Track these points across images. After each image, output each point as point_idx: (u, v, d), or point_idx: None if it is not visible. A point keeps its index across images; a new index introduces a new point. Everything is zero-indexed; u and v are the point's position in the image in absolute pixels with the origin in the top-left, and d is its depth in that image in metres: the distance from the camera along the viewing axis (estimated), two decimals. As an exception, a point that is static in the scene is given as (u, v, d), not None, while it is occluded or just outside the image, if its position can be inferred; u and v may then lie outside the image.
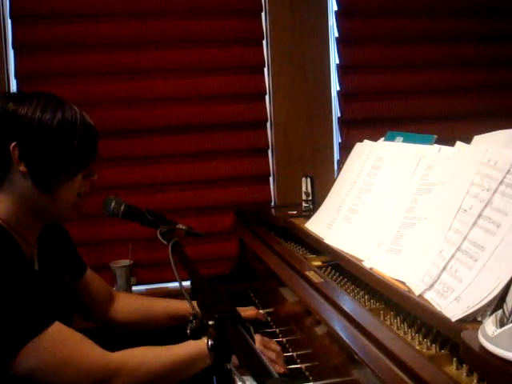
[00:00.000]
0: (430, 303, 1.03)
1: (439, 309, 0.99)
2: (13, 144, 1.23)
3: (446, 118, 2.62)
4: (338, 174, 1.73)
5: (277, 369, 1.37)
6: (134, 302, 1.72)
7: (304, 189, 2.05)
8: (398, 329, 1.10)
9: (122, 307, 1.67)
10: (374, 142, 1.59)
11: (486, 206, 1.01)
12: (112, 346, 1.31)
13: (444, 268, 1.04)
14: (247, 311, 1.67)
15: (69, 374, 1.21)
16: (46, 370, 1.20)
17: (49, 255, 1.43)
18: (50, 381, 1.21)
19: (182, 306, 1.64)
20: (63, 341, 1.22)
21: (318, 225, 1.66)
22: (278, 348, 1.44)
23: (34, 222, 1.34)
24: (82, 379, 1.23)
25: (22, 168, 1.25)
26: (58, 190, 1.30)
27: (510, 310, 0.80)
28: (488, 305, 0.90)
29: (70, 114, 1.29)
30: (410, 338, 1.05)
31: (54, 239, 1.49)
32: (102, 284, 1.67)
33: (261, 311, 1.73)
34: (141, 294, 2.37)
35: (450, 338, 0.96)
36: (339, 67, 2.58)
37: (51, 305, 1.28)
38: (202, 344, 1.31)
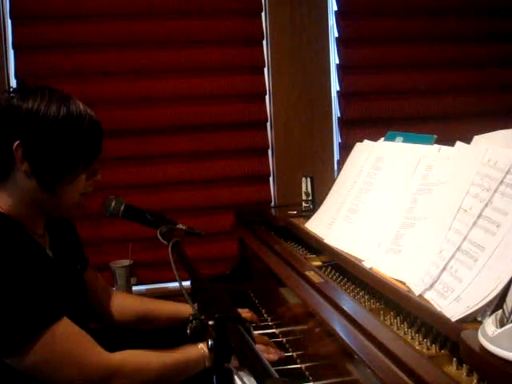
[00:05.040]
0: (430, 303, 1.03)
1: (439, 309, 0.99)
2: (16, 143, 1.22)
3: (446, 118, 2.62)
4: (338, 173, 1.73)
5: (271, 357, 1.40)
6: (131, 303, 1.70)
7: (304, 189, 2.05)
8: (398, 329, 1.10)
9: (118, 307, 1.65)
10: (374, 142, 1.59)
11: (486, 206, 1.01)
12: (112, 346, 1.31)
13: (444, 268, 1.04)
14: (242, 313, 1.66)
15: (69, 372, 1.21)
16: (48, 367, 1.19)
17: (59, 244, 1.43)
18: (50, 377, 1.20)
19: (182, 308, 1.63)
20: (68, 338, 1.21)
21: (318, 225, 1.66)
22: (266, 338, 1.50)
23: (39, 214, 1.34)
24: (82, 378, 1.23)
25: (26, 167, 1.24)
26: (61, 190, 1.29)
27: (510, 309, 0.80)
28: (488, 305, 0.90)
29: (75, 109, 1.28)
30: (410, 338, 1.05)
31: (62, 229, 1.49)
32: (101, 282, 1.66)
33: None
34: (141, 294, 2.37)
35: (450, 338, 0.96)
36: (339, 67, 2.58)
37: (64, 296, 1.27)
38: (200, 347, 1.34)
